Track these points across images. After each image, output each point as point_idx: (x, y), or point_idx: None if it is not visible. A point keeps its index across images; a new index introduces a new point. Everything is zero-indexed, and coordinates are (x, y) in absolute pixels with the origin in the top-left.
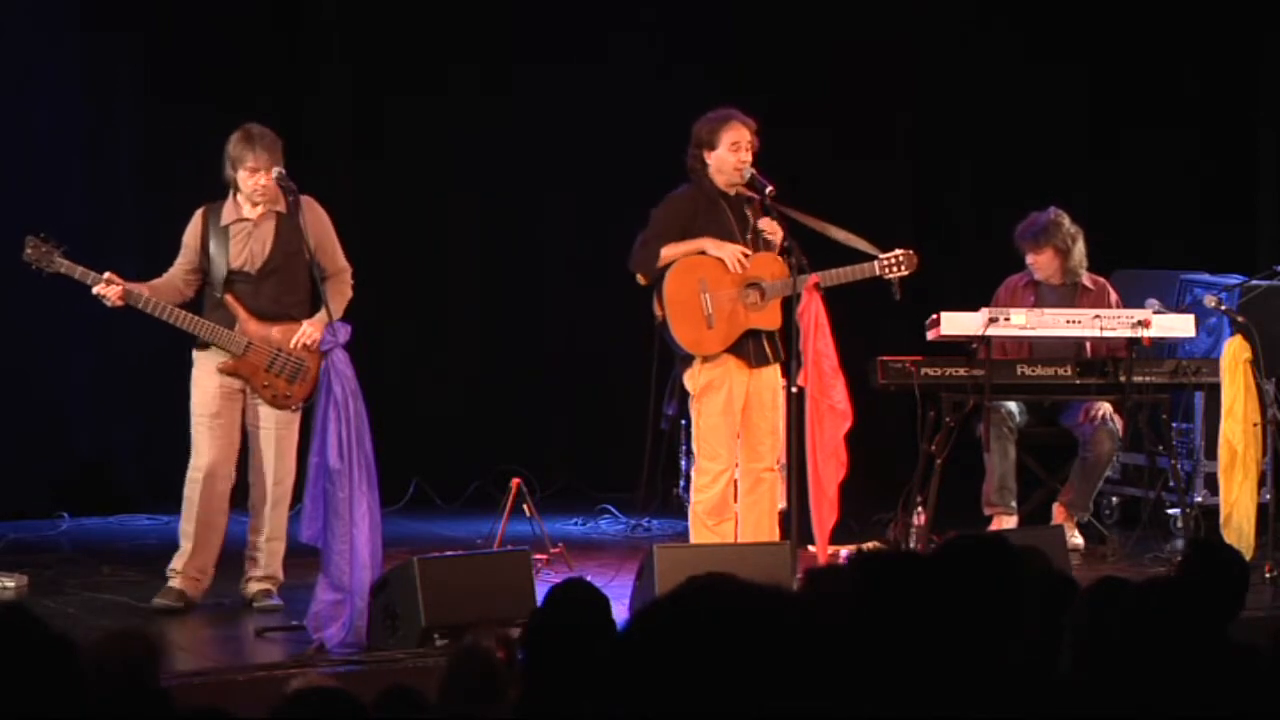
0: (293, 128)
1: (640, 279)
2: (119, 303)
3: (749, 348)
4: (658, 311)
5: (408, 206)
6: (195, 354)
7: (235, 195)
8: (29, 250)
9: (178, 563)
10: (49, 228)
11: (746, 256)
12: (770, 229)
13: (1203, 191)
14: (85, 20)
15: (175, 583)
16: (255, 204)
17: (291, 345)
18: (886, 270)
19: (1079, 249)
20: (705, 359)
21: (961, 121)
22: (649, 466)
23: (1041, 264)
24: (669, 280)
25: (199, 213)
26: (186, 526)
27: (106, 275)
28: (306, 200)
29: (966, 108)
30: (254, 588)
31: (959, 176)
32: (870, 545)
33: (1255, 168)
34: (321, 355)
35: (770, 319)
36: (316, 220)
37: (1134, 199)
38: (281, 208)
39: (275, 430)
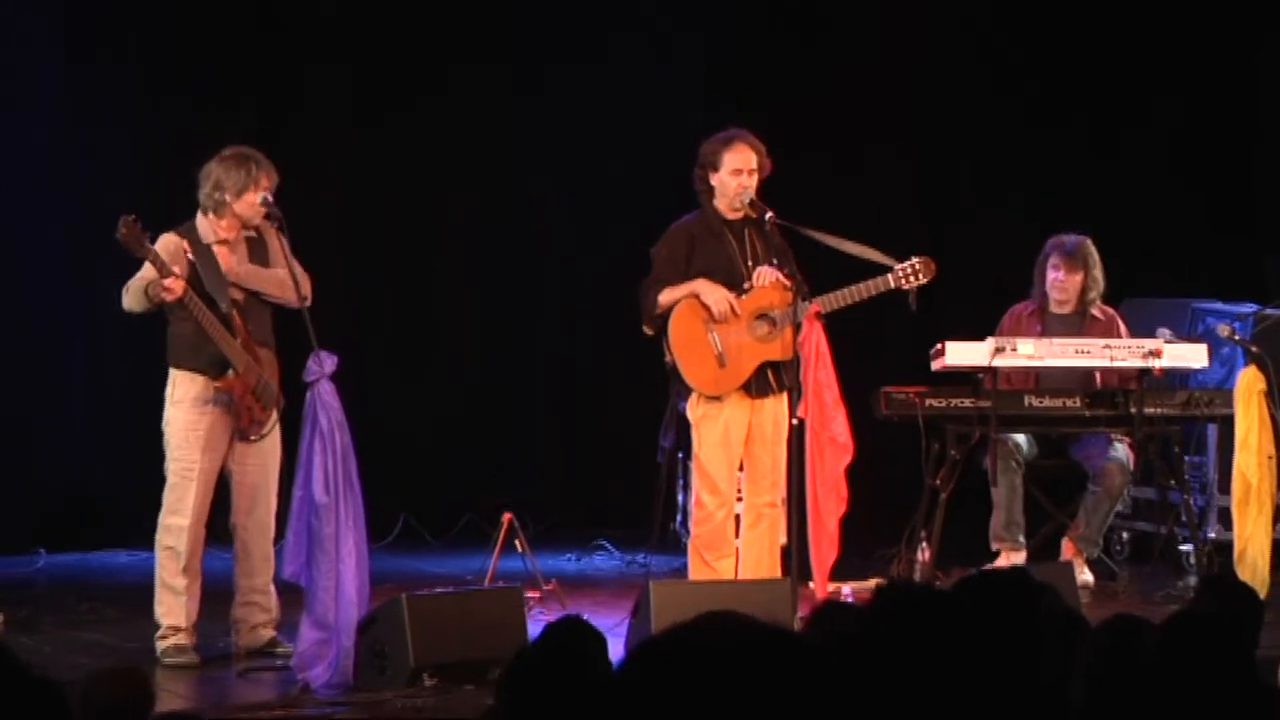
0: (285, 132)
1: (646, 329)
2: (179, 296)
3: (750, 378)
4: (667, 356)
5: (399, 234)
6: (176, 377)
7: (210, 216)
8: (123, 230)
9: (177, 618)
10: (40, 238)
11: (742, 293)
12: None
13: (1217, 218)
14: (79, 29)
15: (183, 639)
16: (245, 227)
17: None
18: (903, 280)
19: (1100, 282)
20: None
21: (965, 147)
22: (658, 501)
23: (1069, 285)
24: (674, 323)
25: (173, 237)
26: (175, 581)
27: (177, 270)
28: (268, 227)
29: (969, 123)
30: (266, 634)
31: (961, 194)
32: (874, 581)
33: (1271, 192)
34: (306, 385)
35: (784, 349)
36: (282, 246)
37: (1145, 226)
38: (252, 233)
39: (264, 465)
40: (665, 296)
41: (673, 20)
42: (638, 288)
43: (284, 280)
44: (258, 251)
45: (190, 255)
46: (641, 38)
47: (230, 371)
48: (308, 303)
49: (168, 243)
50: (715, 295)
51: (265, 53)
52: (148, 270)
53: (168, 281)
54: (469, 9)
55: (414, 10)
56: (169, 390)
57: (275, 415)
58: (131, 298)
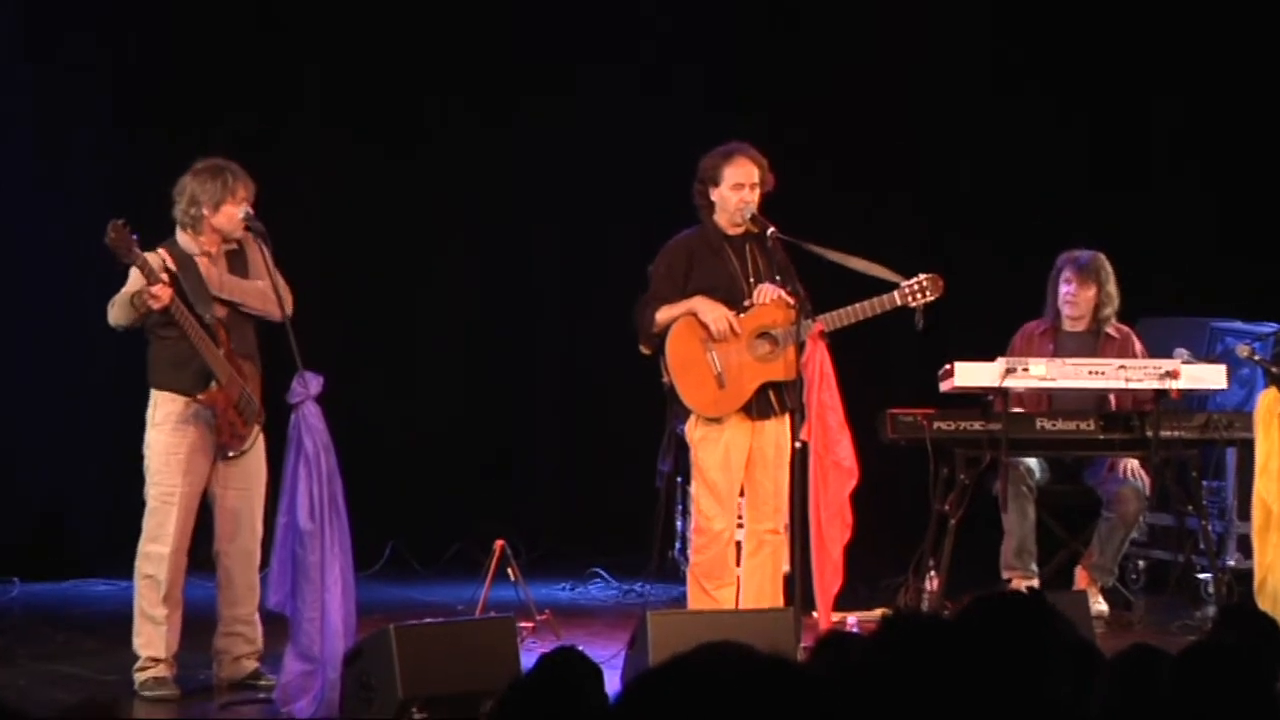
0: (285, 133)
1: (643, 349)
2: (165, 304)
3: (751, 399)
4: (665, 377)
5: (386, 255)
6: (157, 398)
7: (188, 232)
8: (111, 234)
9: (156, 649)
10: (15, 256)
11: (743, 311)
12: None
13: (1234, 234)
14: (78, 29)
15: (163, 671)
16: (224, 240)
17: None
18: (910, 298)
19: (1115, 299)
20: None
21: (970, 159)
22: (656, 527)
23: (1081, 300)
24: (671, 343)
25: (153, 256)
26: (155, 611)
27: (165, 278)
28: (249, 239)
29: (975, 145)
30: (249, 666)
31: (966, 216)
32: (881, 611)
33: None
34: (291, 407)
35: (787, 369)
36: (264, 259)
37: (1161, 242)
38: (233, 246)
39: (248, 489)
40: (662, 315)
41: (673, 21)
42: (635, 305)
43: (265, 292)
44: (237, 264)
45: (172, 265)
46: (641, 38)
47: (213, 384)
48: (289, 313)
49: (157, 261)
50: (714, 313)
51: (265, 53)
52: (134, 281)
53: (155, 289)
54: (469, 12)
55: (415, 12)
56: (150, 412)
57: (257, 430)
58: (118, 310)
